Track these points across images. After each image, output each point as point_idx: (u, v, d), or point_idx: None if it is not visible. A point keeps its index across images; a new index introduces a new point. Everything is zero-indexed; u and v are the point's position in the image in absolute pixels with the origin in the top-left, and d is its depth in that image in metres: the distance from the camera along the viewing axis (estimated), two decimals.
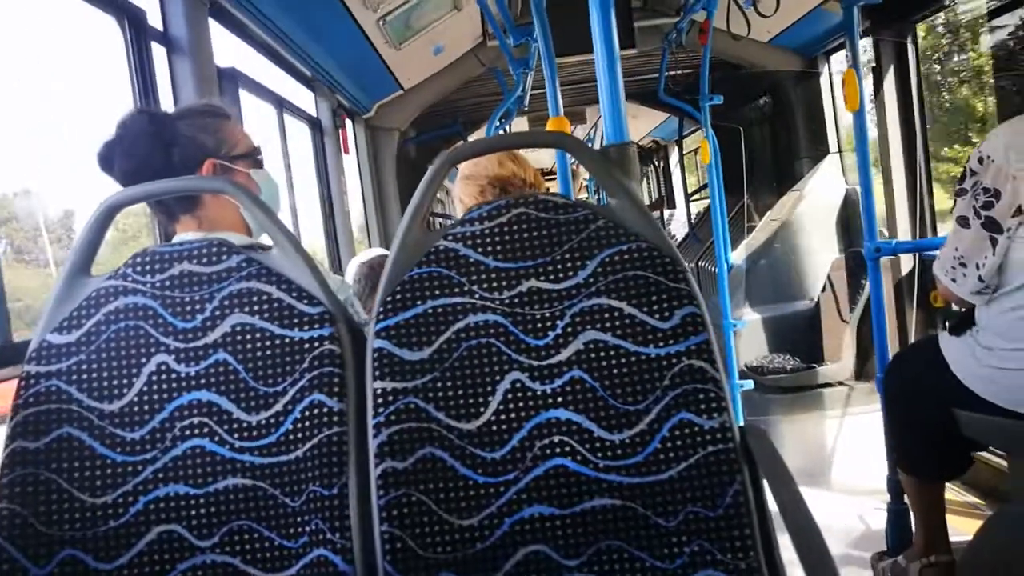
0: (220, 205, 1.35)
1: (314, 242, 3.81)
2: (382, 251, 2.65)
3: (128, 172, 1.29)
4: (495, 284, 1.15)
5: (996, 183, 1.69)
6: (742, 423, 1.18)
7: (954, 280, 1.82)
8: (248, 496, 1.09)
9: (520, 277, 1.15)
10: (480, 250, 1.15)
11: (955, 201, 1.82)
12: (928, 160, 3.63)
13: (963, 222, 1.78)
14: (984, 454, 2.79)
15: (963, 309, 1.93)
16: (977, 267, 1.75)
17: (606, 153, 1.39)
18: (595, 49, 1.39)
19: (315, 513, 1.07)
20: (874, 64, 3.64)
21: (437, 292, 1.14)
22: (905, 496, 2.32)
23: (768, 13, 2.99)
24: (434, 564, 1.06)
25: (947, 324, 1.98)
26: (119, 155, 1.30)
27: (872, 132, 3.71)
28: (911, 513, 2.28)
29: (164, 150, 1.31)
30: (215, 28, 2.26)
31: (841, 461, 3.60)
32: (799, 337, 4.19)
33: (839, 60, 4.48)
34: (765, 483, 1.07)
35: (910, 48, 3.57)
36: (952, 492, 2.97)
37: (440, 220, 6.91)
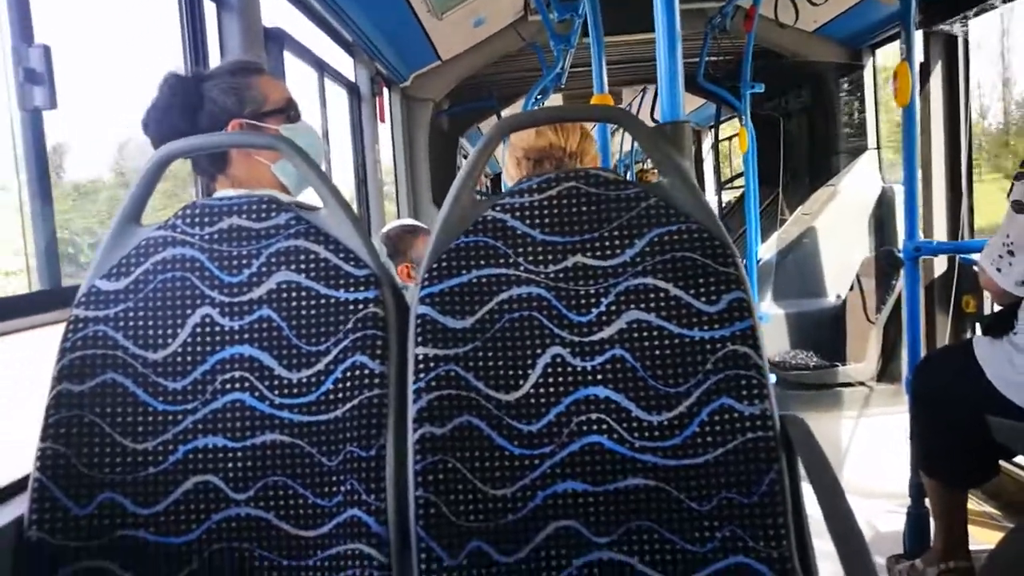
0: (249, 165, 1.34)
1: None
2: (404, 222, 2.65)
3: (158, 138, 1.29)
4: (541, 257, 1.14)
5: None
6: None
7: (999, 270, 1.77)
8: (285, 452, 1.10)
9: (567, 252, 1.14)
10: (528, 222, 1.15)
11: (1012, 185, 1.76)
12: (971, 161, 3.56)
13: (1018, 207, 1.72)
14: (1007, 465, 2.76)
15: (1004, 303, 1.88)
16: None
17: (661, 130, 1.37)
18: (657, 29, 1.37)
19: (351, 473, 1.07)
20: (922, 59, 3.57)
21: (483, 262, 1.14)
22: (926, 500, 2.30)
23: (819, 1, 2.93)
24: (466, 531, 1.07)
25: (982, 325, 1.94)
26: (152, 121, 1.32)
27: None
28: (931, 517, 2.26)
29: (191, 115, 1.31)
30: None
31: (859, 462, 3.58)
32: (824, 335, 4.16)
33: (884, 54, 4.40)
34: (802, 474, 1.06)
35: (961, 44, 3.49)
36: (971, 501, 2.94)
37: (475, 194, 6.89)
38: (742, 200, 5.09)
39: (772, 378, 3.79)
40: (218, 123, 1.32)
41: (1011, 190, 1.76)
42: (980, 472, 2.02)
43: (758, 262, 4.21)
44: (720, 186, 6.62)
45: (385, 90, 4.18)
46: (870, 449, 3.60)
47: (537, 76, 4.56)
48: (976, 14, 3.28)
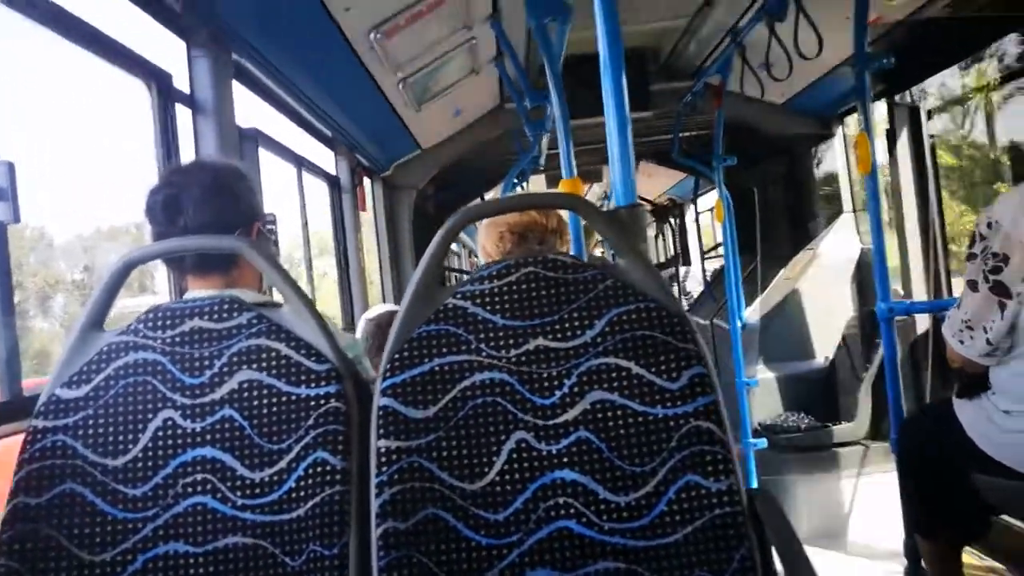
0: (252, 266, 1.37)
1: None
2: (390, 307, 2.67)
3: (202, 223, 1.29)
4: (503, 342, 1.15)
5: (1005, 248, 1.70)
6: (755, 483, 1.17)
7: (962, 342, 1.81)
8: (248, 555, 1.09)
9: (528, 335, 1.16)
10: (489, 308, 1.16)
11: (967, 266, 1.82)
12: (943, 221, 3.63)
13: (972, 286, 1.78)
14: (1006, 517, 2.72)
15: (973, 371, 1.90)
16: (985, 330, 1.75)
17: (616, 214, 1.41)
18: (606, 114, 1.42)
19: (315, 574, 1.06)
20: (888, 127, 3.68)
21: (444, 350, 1.15)
22: (923, 560, 2.26)
23: (781, 77, 3.04)
24: None
25: (955, 390, 1.95)
26: (192, 206, 1.30)
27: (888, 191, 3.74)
28: None
29: (234, 205, 1.35)
30: (238, 89, 2.33)
31: (857, 522, 3.52)
32: (813, 396, 4.15)
33: (854, 122, 4.53)
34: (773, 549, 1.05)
35: (923, 111, 3.61)
36: (972, 556, 2.88)
37: (456, 275, 6.96)
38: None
39: (763, 443, 3.76)
40: (247, 219, 1.37)
41: (967, 271, 1.82)
42: (972, 530, 2.00)
43: (743, 327, 4.23)
44: (703, 255, 6.70)
45: (366, 180, 4.27)
46: (868, 509, 3.55)
47: (517, 159, 4.67)
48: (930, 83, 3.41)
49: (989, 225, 1.74)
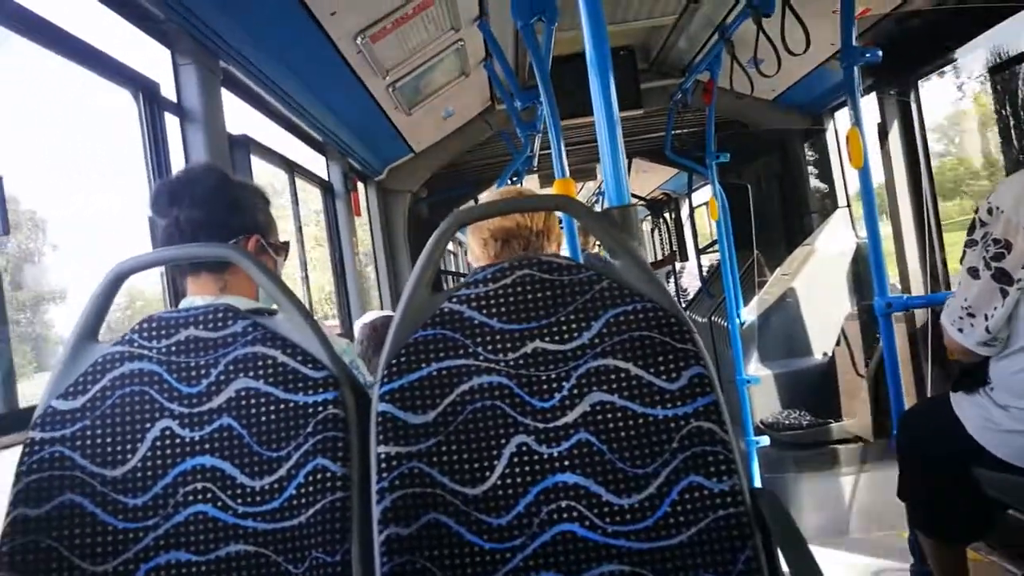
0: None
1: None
2: (388, 312, 2.66)
3: (194, 220, 1.33)
4: (500, 346, 1.14)
5: (1007, 234, 1.68)
6: (758, 481, 1.16)
7: (961, 330, 1.79)
8: (250, 563, 1.08)
9: (525, 338, 1.14)
10: (485, 312, 1.15)
11: (964, 252, 1.80)
12: (938, 214, 3.63)
13: (973, 273, 1.76)
14: (1009, 512, 2.71)
15: (969, 360, 1.89)
16: (985, 318, 1.73)
17: (609, 215, 1.40)
18: (595, 114, 1.41)
19: None
20: (879, 120, 3.68)
21: (442, 354, 1.14)
22: (927, 557, 2.25)
23: (770, 73, 3.04)
24: None
25: (952, 383, 1.94)
26: (188, 201, 1.34)
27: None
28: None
29: (229, 210, 1.38)
30: (227, 97, 2.32)
31: (861, 519, 3.51)
32: (815, 392, 4.14)
33: (845, 116, 4.53)
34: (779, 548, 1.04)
35: (913, 105, 3.60)
36: (977, 553, 2.87)
37: (452, 277, 6.95)
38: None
39: (765, 440, 3.75)
40: (244, 229, 1.39)
41: (963, 257, 1.80)
42: (975, 527, 1.98)
43: (741, 325, 4.22)
44: (699, 252, 6.69)
45: (360, 184, 4.25)
46: (872, 505, 3.54)
47: (511, 160, 4.67)
48: (920, 77, 3.41)
49: (990, 211, 1.72)
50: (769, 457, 3.85)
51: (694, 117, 4.79)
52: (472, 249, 1.82)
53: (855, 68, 2.50)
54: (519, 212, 1.67)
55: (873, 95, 3.69)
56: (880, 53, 2.50)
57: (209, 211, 1.35)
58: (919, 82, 3.57)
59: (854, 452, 3.75)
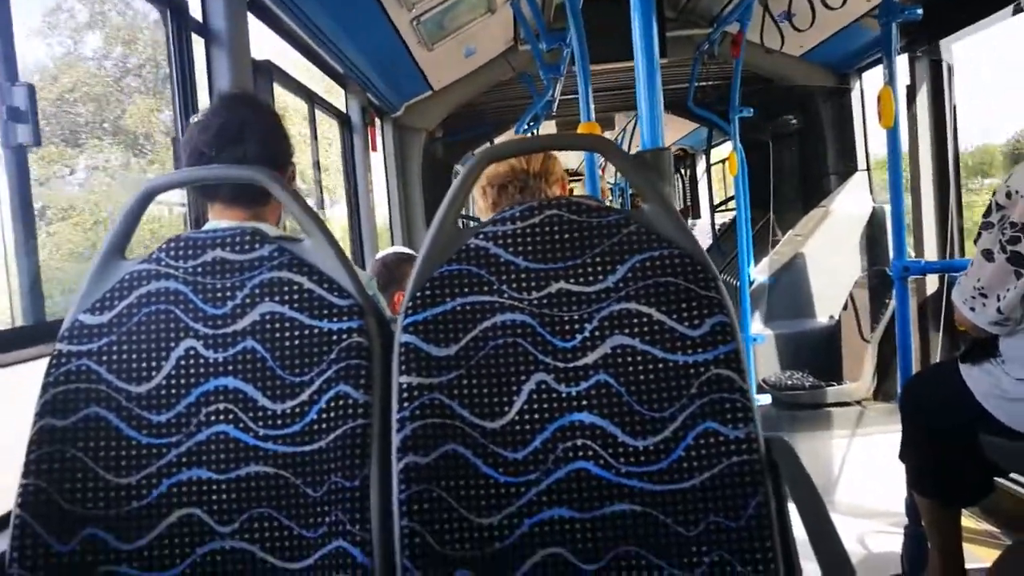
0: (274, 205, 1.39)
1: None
2: (400, 249, 2.66)
3: (262, 156, 1.31)
4: (524, 284, 1.14)
5: None
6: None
7: (972, 309, 1.79)
8: (270, 484, 1.10)
9: (550, 278, 1.15)
10: (511, 250, 1.15)
11: (980, 233, 1.79)
12: (959, 181, 3.58)
13: (987, 255, 1.75)
14: (1004, 482, 2.74)
15: (978, 336, 1.89)
16: (998, 299, 1.73)
17: (641, 157, 1.39)
18: (636, 58, 1.39)
19: (336, 504, 1.07)
20: (909, 82, 3.61)
21: (466, 290, 1.14)
22: (922, 520, 2.29)
23: (803, 27, 2.98)
24: (452, 561, 1.06)
25: (960, 354, 1.95)
26: (253, 140, 1.32)
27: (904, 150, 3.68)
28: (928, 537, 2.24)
29: (283, 143, 1.38)
30: (252, 22, 2.28)
31: (856, 481, 3.56)
32: (818, 354, 4.16)
33: (872, 77, 4.45)
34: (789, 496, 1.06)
35: (945, 67, 3.53)
36: (970, 519, 2.92)
37: (464, 221, 6.93)
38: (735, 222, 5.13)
39: (767, 398, 3.77)
40: (277, 159, 1.36)
41: (978, 238, 1.78)
42: (973, 491, 2.02)
43: (751, 283, 4.22)
44: (713, 209, 6.65)
45: (377, 120, 4.22)
46: (866, 469, 3.58)
47: (530, 103, 4.60)
48: (955, 39, 3.32)
49: (1008, 195, 1.70)
50: (769, 416, 3.88)
51: (718, 70, 4.71)
52: (477, 202, 1.79)
53: (893, 25, 2.45)
54: (552, 149, 1.64)
55: (904, 56, 3.61)
56: (920, 11, 2.44)
57: (275, 148, 1.35)
58: (954, 45, 3.49)
59: (853, 415, 3.78)
